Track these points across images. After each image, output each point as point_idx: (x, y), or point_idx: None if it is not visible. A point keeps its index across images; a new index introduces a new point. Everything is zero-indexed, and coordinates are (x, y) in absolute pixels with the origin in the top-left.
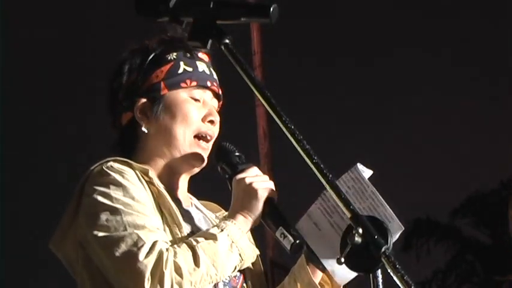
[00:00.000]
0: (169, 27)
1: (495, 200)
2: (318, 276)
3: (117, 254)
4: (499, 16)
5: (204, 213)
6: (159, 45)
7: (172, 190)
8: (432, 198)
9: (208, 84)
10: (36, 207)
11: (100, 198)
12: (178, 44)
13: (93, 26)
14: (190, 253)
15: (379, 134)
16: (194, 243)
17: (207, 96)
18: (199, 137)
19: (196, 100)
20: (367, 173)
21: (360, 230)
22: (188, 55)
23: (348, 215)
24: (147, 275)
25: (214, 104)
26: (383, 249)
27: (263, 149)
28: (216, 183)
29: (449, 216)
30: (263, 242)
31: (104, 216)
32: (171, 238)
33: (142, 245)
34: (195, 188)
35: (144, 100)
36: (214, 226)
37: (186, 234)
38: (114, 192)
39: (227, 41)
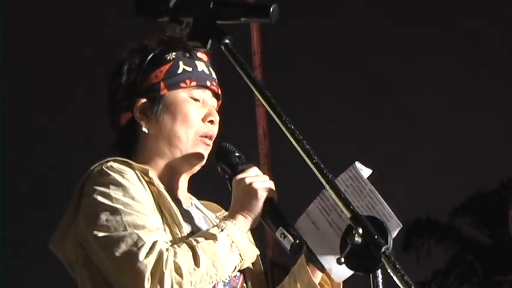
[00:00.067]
0: (169, 27)
1: (495, 200)
2: (317, 276)
3: (117, 254)
4: (499, 16)
5: (204, 213)
6: (158, 45)
7: (172, 190)
8: (432, 198)
9: (208, 83)
10: (36, 207)
11: (100, 198)
12: (177, 44)
13: (93, 26)
14: (190, 253)
15: (379, 134)
16: (194, 243)
17: (206, 95)
18: (202, 136)
19: (196, 100)
20: (365, 171)
21: (360, 230)
22: (187, 55)
23: (348, 215)
24: (147, 275)
25: (213, 103)
26: (383, 249)
27: (263, 149)
28: (216, 184)
29: (449, 216)
30: (263, 242)
31: (104, 216)
32: (171, 238)
33: (142, 245)
34: (195, 188)
35: (143, 100)
36: (214, 226)
37: (186, 234)
38: (114, 192)
39: (227, 41)
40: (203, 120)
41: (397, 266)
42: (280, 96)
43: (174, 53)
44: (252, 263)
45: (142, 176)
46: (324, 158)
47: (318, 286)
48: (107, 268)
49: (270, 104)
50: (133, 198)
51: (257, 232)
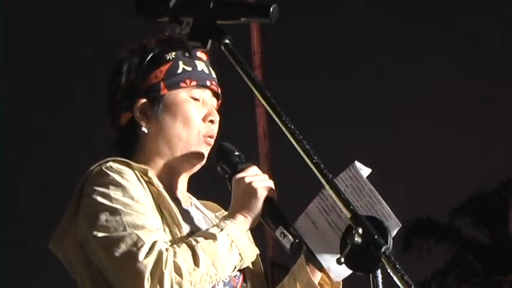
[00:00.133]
0: (169, 27)
1: (495, 200)
2: (317, 276)
3: (116, 254)
4: (499, 16)
5: (203, 213)
6: (158, 44)
7: (171, 190)
8: (432, 198)
9: (208, 83)
10: (36, 207)
11: (99, 199)
12: (176, 44)
13: (93, 26)
14: (189, 253)
15: (379, 134)
16: (194, 243)
17: (206, 95)
18: (202, 136)
19: (195, 100)
20: (365, 171)
21: (360, 230)
22: (187, 54)
23: (348, 215)
24: (147, 275)
25: (213, 103)
26: (383, 249)
27: (263, 149)
28: (215, 183)
29: (449, 216)
30: (263, 242)
31: (104, 217)
32: (170, 238)
33: (141, 245)
34: (195, 188)
35: (143, 100)
36: (213, 226)
37: (185, 234)
38: (114, 192)
39: (227, 41)
40: (203, 120)
41: (397, 266)
42: (280, 96)
43: (173, 53)
44: (252, 263)
45: (141, 176)
46: (324, 158)
47: (318, 286)
48: (106, 268)
49: (270, 104)
50: (132, 198)
51: (257, 232)
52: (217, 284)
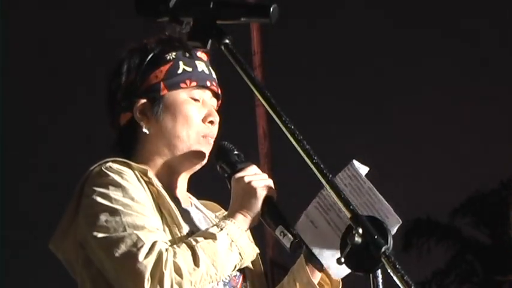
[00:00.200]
0: (169, 27)
1: (495, 200)
2: (316, 276)
3: (116, 254)
4: (499, 16)
5: (203, 213)
6: (158, 44)
7: (171, 190)
8: (432, 198)
9: (208, 84)
10: (36, 207)
11: (99, 199)
12: (177, 44)
13: (93, 26)
14: (189, 253)
15: (379, 134)
16: (194, 243)
17: (206, 96)
18: (202, 137)
19: (195, 100)
20: (363, 169)
21: (360, 230)
22: (187, 55)
23: (348, 215)
24: (147, 275)
25: (213, 103)
26: (383, 249)
27: (263, 149)
28: (215, 183)
29: (449, 216)
30: (263, 242)
31: (104, 217)
32: (170, 238)
33: (141, 246)
34: (194, 188)
35: (143, 100)
36: (213, 225)
37: (185, 234)
38: (114, 193)
39: (227, 41)
40: (203, 120)
41: (397, 266)
42: (280, 96)
43: (174, 53)
44: (252, 262)
45: (141, 176)
46: (324, 158)
47: (317, 286)
48: (106, 269)
49: (270, 104)
50: (132, 198)
51: (257, 231)
52: (218, 284)
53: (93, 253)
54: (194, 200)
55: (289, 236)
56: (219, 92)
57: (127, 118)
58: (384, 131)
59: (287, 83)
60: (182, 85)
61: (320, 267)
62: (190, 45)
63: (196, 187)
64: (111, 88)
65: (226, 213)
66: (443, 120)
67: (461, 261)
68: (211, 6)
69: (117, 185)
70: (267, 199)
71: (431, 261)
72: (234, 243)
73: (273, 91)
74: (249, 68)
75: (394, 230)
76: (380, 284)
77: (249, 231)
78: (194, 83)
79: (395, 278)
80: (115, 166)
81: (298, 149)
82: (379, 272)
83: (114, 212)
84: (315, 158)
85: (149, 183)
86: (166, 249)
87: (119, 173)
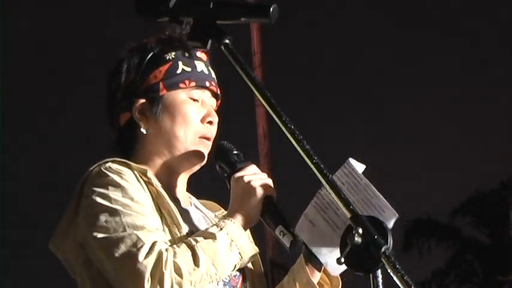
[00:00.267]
0: (169, 27)
1: (495, 200)
2: (316, 276)
3: (116, 255)
4: (499, 16)
5: (203, 213)
6: (158, 44)
7: (171, 190)
8: (432, 198)
9: (207, 84)
10: (36, 207)
11: (99, 200)
12: (176, 44)
13: (93, 26)
14: (189, 253)
15: (379, 134)
16: (193, 243)
17: (205, 96)
18: (201, 137)
19: (194, 100)
20: (359, 167)
21: (360, 230)
22: (187, 55)
23: (348, 215)
24: (147, 275)
25: (212, 103)
26: (383, 249)
27: (263, 149)
28: (214, 182)
29: (449, 216)
30: (263, 242)
31: (103, 218)
32: (170, 238)
33: (141, 246)
34: (194, 187)
35: (142, 100)
36: (213, 225)
37: (185, 234)
38: (113, 193)
39: (227, 41)
40: (202, 121)
41: (397, 266)
42: (280, 96)
43: (173, 53)
44: (252, 262)
45: (140, 177)
46: (324, 158)
47: (317, 286)
48: (106, 269)
49: (270, 104)
50: (132, 199)
51: (257, 232)
52: (218, 284)
53: (93, 253)
54: (194, 199)
55: (289, 235)
56: (219, 92)
57: (126, 118)
58: (383, 131)
59: (287, 83)
60: (181, 85)
61: (319, 266)
62: (190, 45)
63: (195, 187)
64: (111, 88)
65: (225, 212)
66: (443, 120)
67: (461, 261)
68: (211, 6)
69: (117, 185)
70: (267, 199)
71: (431, 261)
72: (233, 242)
73: (273, 91)
74: (249, 68)
75: (391, 224)
76: (380, 284)
77: (248, 231)
78: (193, 83)
79: (395, 278)
80: (114, 166)
81: (298, 149)
82: (379, 272)
83: (113, 213)
84: (315, 158)
85: (148, 183)
86: (166, 249)
87: (119, 173)
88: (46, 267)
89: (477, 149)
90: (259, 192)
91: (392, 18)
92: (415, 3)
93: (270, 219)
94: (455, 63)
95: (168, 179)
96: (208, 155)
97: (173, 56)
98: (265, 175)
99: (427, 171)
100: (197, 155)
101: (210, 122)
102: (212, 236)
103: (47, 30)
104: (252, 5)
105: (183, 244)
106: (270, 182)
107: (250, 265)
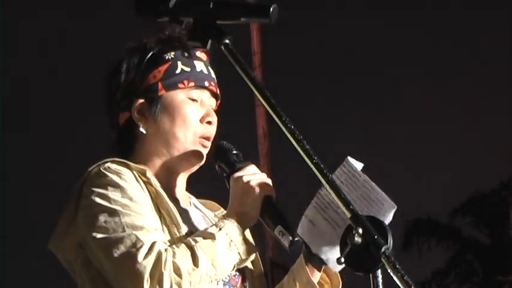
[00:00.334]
0: (169, 27)
1: (495, 200)
2: (316, 276)
3: (115, 255)
4: (499, 16)
5: (203, 212)
6: (157, 44)
7: (170, 190)
8: (432, 198)
9: (206, 84)
10: (36, 207)
11: (98, 200)
12: (176, 43)
13: (93, 25)
14: (189, 253)
15: (379, 134)
16: (193, 243)
17: (204, 96)
18: (200, 138)
19: (193, 100)
20: (358, 165)
21: (360, 230)
22: (186, 54)
23: (348, 215)
24: (146, 276)
25: (212, 103)
26: (383, 249)
27: (263, 149)
28: (214, 182)
29: (449, 216)
30: (263, 242)
31: (102, 218)
32: (169, 238)
33: (141, 246)
34: (193, 187)
35: (141, 100)
36: (212, 225)
37: (184, 234)
38: (112, 193)
39: (227, 41)
40: (201, 121)
41: (397, 266)
42: (280, 96)
43: (172, 53)
44: (252, 262)
45: (139, 177)
46: (324, 158)
47: (317, 286)
48: (106, 269)
49: (270, 104)
50: (131, 199)
51: (257, 232)
52: (217, 284)
53: (93, 254)
54: (194, 199)
55: (288, 235)
56: (218, 92)
57: (125, 118)
58: (383, 131)
59: (287, 83)
60: (180, 85)
61: (319, 266)
62: (190, 45)
63: (195, 187)
64: (111, 88)
65: (225, 212)
66: (443, 120)
67: (461, 261)
68: (211, 6)
69: (116, 186)
70: (266, 199)
71: (431, 261)
72: (233, 242)
73: (273, 91)
74: (249, 68)
75: (390, 216)
76: (380, 284)
77: (248, 230)
78: (192, 83)
79: (395, 278)
80: (113, 166)
81: (298, 149)
82: (379, 272)
83: (113, 213)
84: (315, 158)
85: (148, 183)
86: (166, 250)
87: (118, 174)
88: (46, 267)
89: (477, 149)
90: (259, 192)
91: (392, 18)
92: (415, 3)
93: (269, 219)
94: (455, 63)
95: (167, 179)
96: (208, 154)
97: (172, 56)
98: (264, 175)
99: (427, 171)
100: (196, 155)
101: (209, 122)
102: (211, 236)
103: (47, 30)
104: (252, 5)
105: (182, 244)
106: (269, 181)
107: (250, 265)
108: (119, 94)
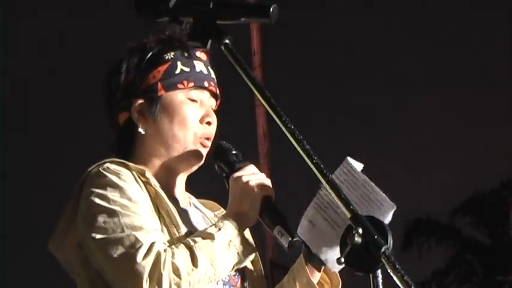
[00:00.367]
0: (169, 27)
1: (495, 200)
2: (316, 276)
3: (115, 255)
4: (499, 16)
5: (203, 212)
6: (157, 44)
7: (169, 190)
8: (432, 198)
9: (206, 84)
10: (36, 207)
11: (97, 200)
12: (176, 43)
13: (93, 25)
14: (188, 253)
15: (379, 134)
16: (192, 243)
17: (204, 96)
18: (200, 137)
19: (193, 101)
20: (357, 165)
21: (360, 230)
22: (186, 54)
23: (348, 215)
24: (145, 276)
25: (211, 103)
26: (383, 249)
27: (263, 149)
28: (213, 182)
29: (449, 216)
30: (263, 242)
31: (102, 218)
32: (168, 239)
33: (140, 247)
34: (193, 187)
35: (141, 101)
36: (211, 225)
37: (183, 234)
38: (111, 193)
39: (227, 41)
40: (200, 121)
41: (397, 266)
42: (280, 96)
43: (172, 53)
44: (252, 262)
45: (139, 177)
46: (324, 158)
47: (317, 286)
48: (105, 270)
49: (270, 104)
50: (130, 199)
51: (257, 231)
52: (217, 284)
53: (92, 254)
54: (193, 199)
55: (287, 235)
56: (218, 92)
57: (125, 118)
58: (384, 131)
59: (287, 83)
60: (180, 86)
61: (319, 266)
62: (190, 45)
63: (195, 187)
64: (111, 88)
65: (225, 212)
66: (443, 120)
67: (461, 261)
68: (211, 6)
69: (115, 186)
70: (265, 199)
71: (431, 261)
72: (232, 243)
73: (273, 91)
74: (249, 68)
75: (389, 216)
76: (380, 284)
77: (248, 230)
78: (192, 84)
79: (395, 278)
80: (112, 167)
81: (298, 149)
82: (379, 272)
83: (112, 213)
84: (315, 158)
85: (147, 183)
86: (165, 250)
87: (117, 174)
88: (46, 267)
89: (477, 149)
90: (258, 192)
91: (392, 18)
92: (415, 3)
93: (269, 219)
94: (454, 64)
95: (166, 179)
96: (207, 155)
97: (172, 56)
98: (263, 175)
99: (427, 171)
100: (195, 155)
101: (209, 123)
102: (210, 236)
103: (47, 30)
104: (252, 5)
105: (182, 244)
106: (268, 182)
107: (249, 265)
108: (118, 94)
